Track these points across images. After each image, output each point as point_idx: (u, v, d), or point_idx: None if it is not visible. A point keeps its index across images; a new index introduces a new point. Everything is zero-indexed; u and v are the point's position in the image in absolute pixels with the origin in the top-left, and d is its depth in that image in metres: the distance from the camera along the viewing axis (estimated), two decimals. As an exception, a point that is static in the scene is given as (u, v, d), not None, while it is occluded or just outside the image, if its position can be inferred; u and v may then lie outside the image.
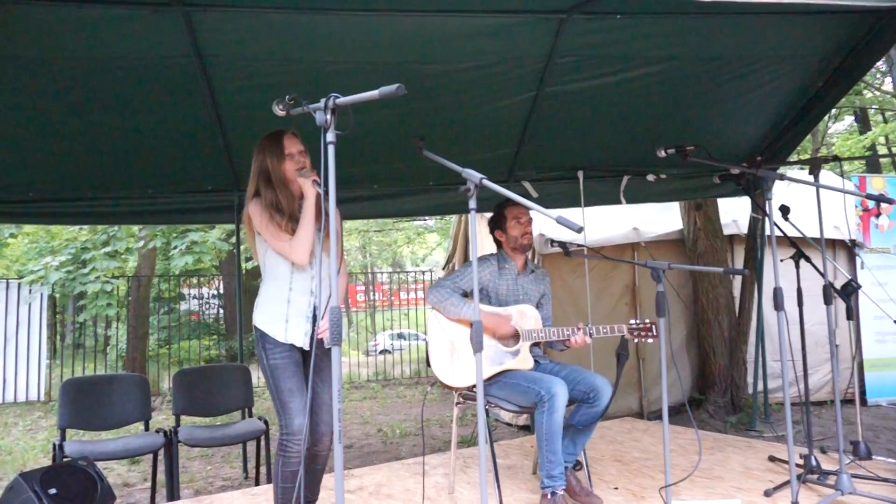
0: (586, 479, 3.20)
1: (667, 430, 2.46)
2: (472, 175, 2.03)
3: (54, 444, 3.46)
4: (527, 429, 5.46)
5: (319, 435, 2.51)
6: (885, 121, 12.98)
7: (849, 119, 14.77)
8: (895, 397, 6.22)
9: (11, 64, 3.09)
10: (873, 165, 12.63)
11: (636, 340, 2.92)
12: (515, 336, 3.05)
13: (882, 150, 12.93)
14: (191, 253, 8.68)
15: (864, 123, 13.49)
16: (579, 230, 1.71)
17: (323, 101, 1.78)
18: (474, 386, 3.00)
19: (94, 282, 8.28)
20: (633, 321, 2.93)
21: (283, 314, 2.52)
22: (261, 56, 3.29)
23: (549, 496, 2.75)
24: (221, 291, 14.99)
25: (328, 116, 1.76)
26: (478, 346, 2.03)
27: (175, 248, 8.86)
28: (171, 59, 3.20)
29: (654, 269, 2.44)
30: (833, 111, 12.46)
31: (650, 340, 2.90)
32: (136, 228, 8.86)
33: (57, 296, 9.86)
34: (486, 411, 3.21)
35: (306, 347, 2.51)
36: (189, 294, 14.62)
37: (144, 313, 10.68)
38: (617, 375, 2.91)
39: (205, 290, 14.81)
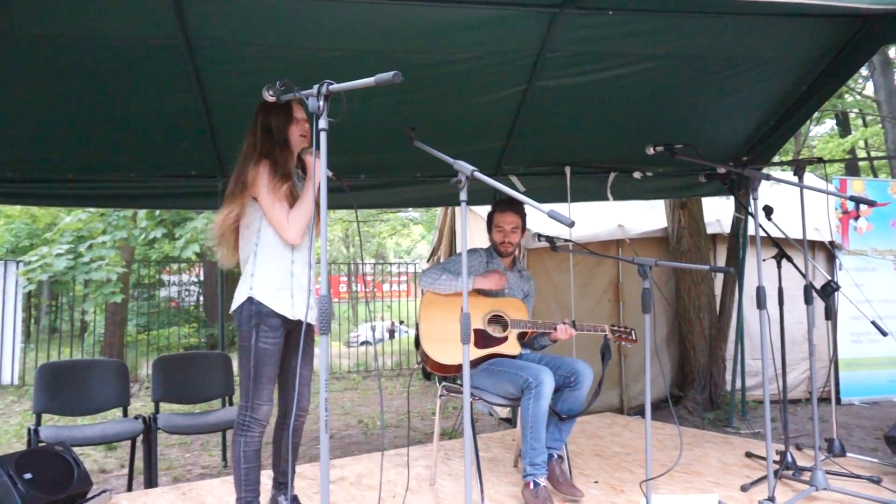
0: (567, 472, 3.22)
1: (649, 425, 2.48)
2: (464, 167, 2.03)
3: (29, 429, 3.40)
4: (508, 422, 5.49)
5: (301, 409, 2.55)
6: (866, 125, 13.18)
7: (830, 122, 14.98)
8: (868, 396, 6.36)
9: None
10: (852, 169, 12.84)
11: (617, 342, 3.11)
12: (504, 324, 3.12)
13: (861, 154, 13.15)
14: (195, 241, 8.55)
15: (844, 127, 13.70)
16: (571, 224, 1.72)
17: (316, 87, 1.76)
18: (460, 366, 3.01)
19: (98, 270, 8.14)
20: (614, 326, 3.16)
21: (287, 288, 2.45)
22: (249, 40, 3.23)
23: (531, 485, 2.77)
24: (202, 278, 14.82)
25: (321, 103, 1.74)
26: (465, 338, 2.03)
27: (179, 237, 8.72)
28: (158, 40, 3.13)
29: (641, 265, 2.46)
30: (815, 114, 12.64)
31: (629, 345, 3.12)
32: (134, 215, 8.76)
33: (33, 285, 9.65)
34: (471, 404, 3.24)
35: (311, 321, 2.35)
36: (169, 281, 14.43)
37: (123, 298, 10.52)
38: (601, 373, 3.03)
39: (184, 277, 14.62)
